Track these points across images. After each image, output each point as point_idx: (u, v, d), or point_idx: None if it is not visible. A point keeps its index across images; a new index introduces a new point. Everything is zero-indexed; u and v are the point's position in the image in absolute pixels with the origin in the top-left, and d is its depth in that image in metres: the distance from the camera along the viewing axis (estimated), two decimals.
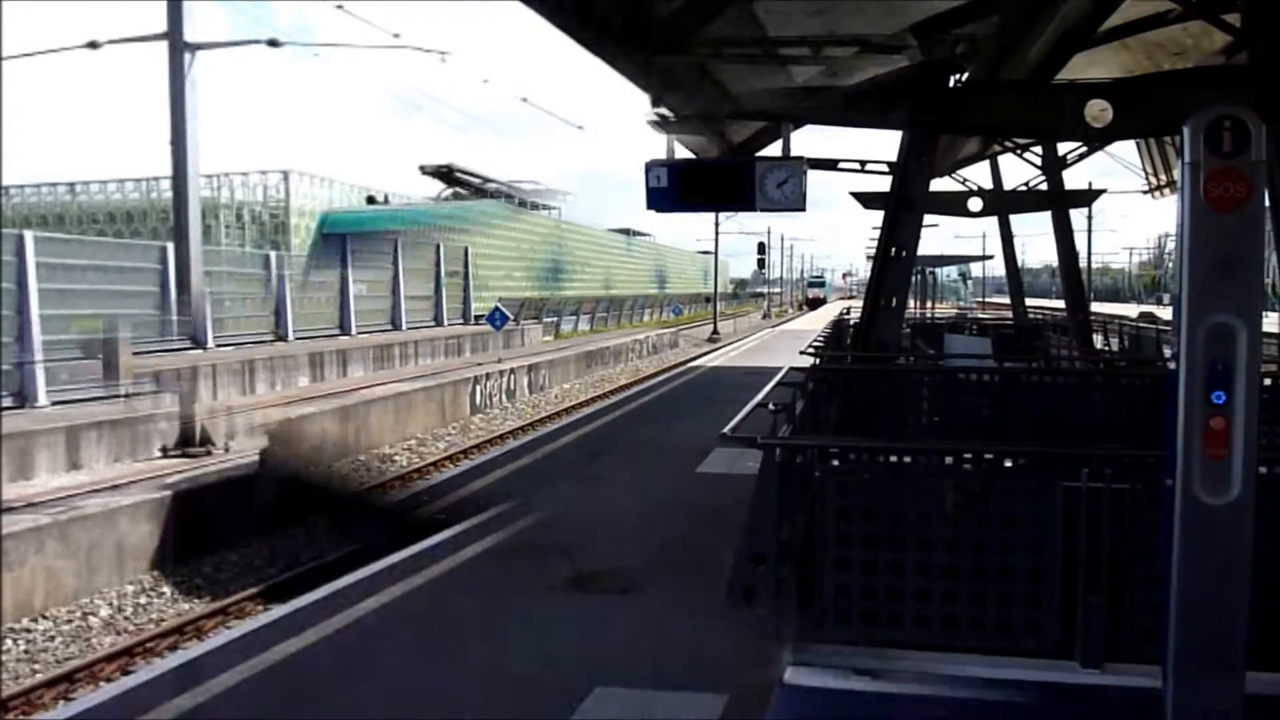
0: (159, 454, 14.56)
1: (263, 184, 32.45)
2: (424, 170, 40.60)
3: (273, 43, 15.63)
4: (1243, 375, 3.30)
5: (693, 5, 9.31)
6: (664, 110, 10.87)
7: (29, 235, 16.49)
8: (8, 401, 14.91)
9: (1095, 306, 30.92)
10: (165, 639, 9.16)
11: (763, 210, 9.50)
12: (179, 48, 14.40)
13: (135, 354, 16.18)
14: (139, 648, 8.93)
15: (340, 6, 16.27)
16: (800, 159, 9.66)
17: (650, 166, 9.41)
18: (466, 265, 37.23)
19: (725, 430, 4.94)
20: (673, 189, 9.37)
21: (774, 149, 12.65)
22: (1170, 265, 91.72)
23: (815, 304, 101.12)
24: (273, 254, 24.90)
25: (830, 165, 13.20)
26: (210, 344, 21.68)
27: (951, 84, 10.29)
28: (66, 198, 33.01)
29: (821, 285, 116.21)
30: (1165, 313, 43.44)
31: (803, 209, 9.40)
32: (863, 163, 13.41)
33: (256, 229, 32.24)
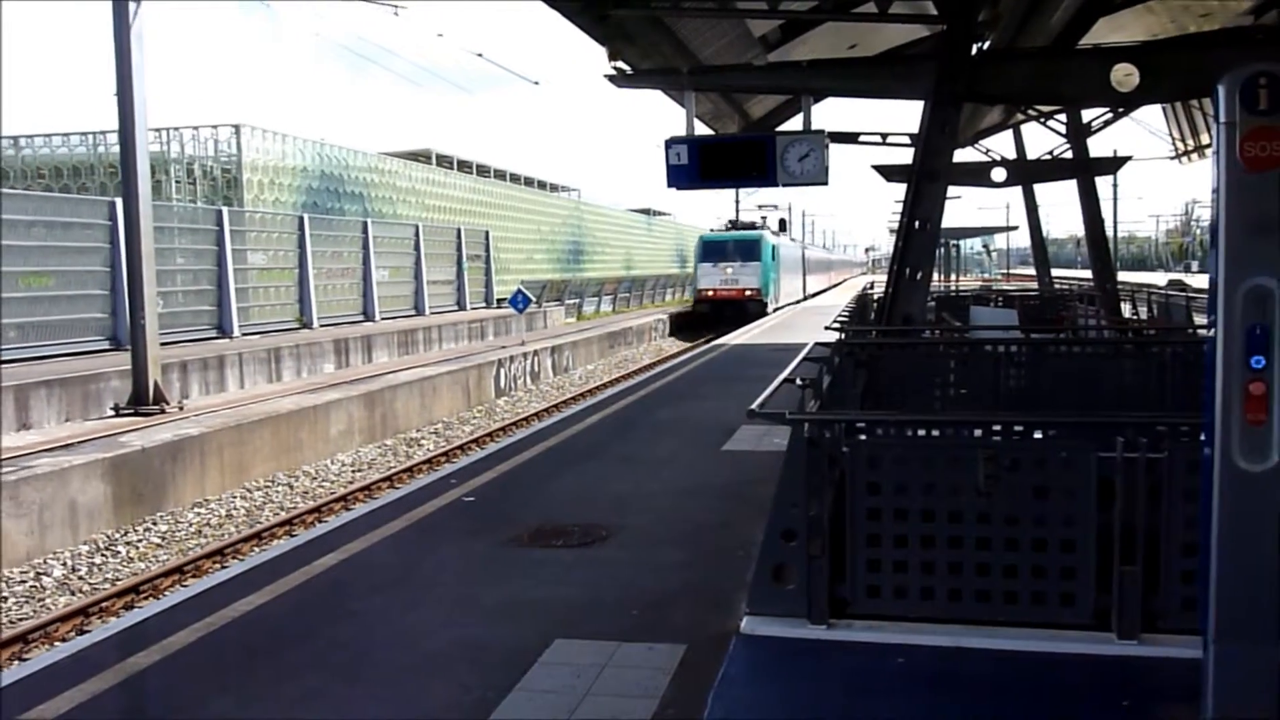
0: (111, 413, 14.74)
1: (214, 138, 32.12)
2: (399, 155, 40.08)
3: None
4: None
5: None
6: (621, 64, 10.82)
7: None
8: None
9: (1122, 275, 30.61)
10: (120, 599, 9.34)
11: (784, 185, 9.44)
12: None
13: (163, 344, 16.24)
14: (94, 607, 9.08)
15: None
16: (821, 132, 9.58)
17: (670, 143, 9.36)
18: (488, 249, 37.23)
19: (753, 406, 4.91)
20: (693, 166, 9.31)
21: (794, 123, 12.54)
22: (1199, 231, 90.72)
23: (724, 312, 40.55)
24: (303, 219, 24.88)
25: (852, 139, 13.10)
26: (236, 332, 21.81)
27: (973, 52, 10.15)
28: (10, 152, 32.86)
29: (751, 255, 42.70)
30: (1194, 280, 42.96)
31: (825, 182, 9.33)
32: (884, 135, 13.29)
33: (208, 184, 32.05)
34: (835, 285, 57.45)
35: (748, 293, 40.84)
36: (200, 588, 6.72)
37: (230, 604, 6.06)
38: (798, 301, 49.01)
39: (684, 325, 41.45)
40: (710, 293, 41.66)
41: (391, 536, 7.56)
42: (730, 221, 49.44)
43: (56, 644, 8.11)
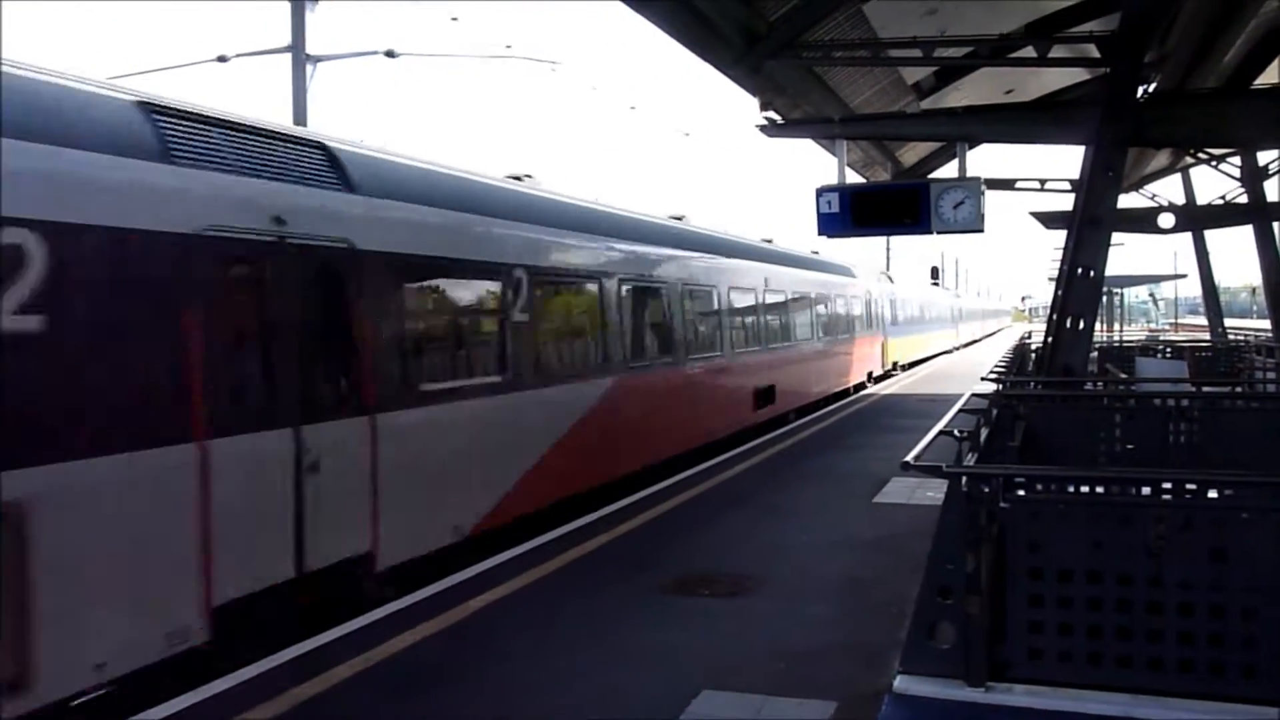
0: None
1: None
2: None
3: (389, 54, 16.46)
4: None
5: (802, 7, 9.31)
6: (772, 114, 10.90)
7: None
8: None
9: None
10: None
11: (939, 232, 9.29)
12: (301, 60, 15.32)
13: None
14: None
15: (455, 19, 17.15)
16: (977, 179, 9.42)
17: (821, 191, 9.35)
18: None
19: (908, 459, 4.81)
20: (845, 213, 9.28)
21: (948, 169, 12.35)
22: None
23: None
24: None
25: (1008, 185, 12.82)
26: None
27: (1139, 95, 9.83)
28: None
29: None
30: None
31: (981, 230, 9.15)
32: (1043, 181, 12.98)
33: None
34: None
35: None
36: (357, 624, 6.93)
37: (385, 641, 6.25)
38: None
39: None
40: None
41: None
42: None
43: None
